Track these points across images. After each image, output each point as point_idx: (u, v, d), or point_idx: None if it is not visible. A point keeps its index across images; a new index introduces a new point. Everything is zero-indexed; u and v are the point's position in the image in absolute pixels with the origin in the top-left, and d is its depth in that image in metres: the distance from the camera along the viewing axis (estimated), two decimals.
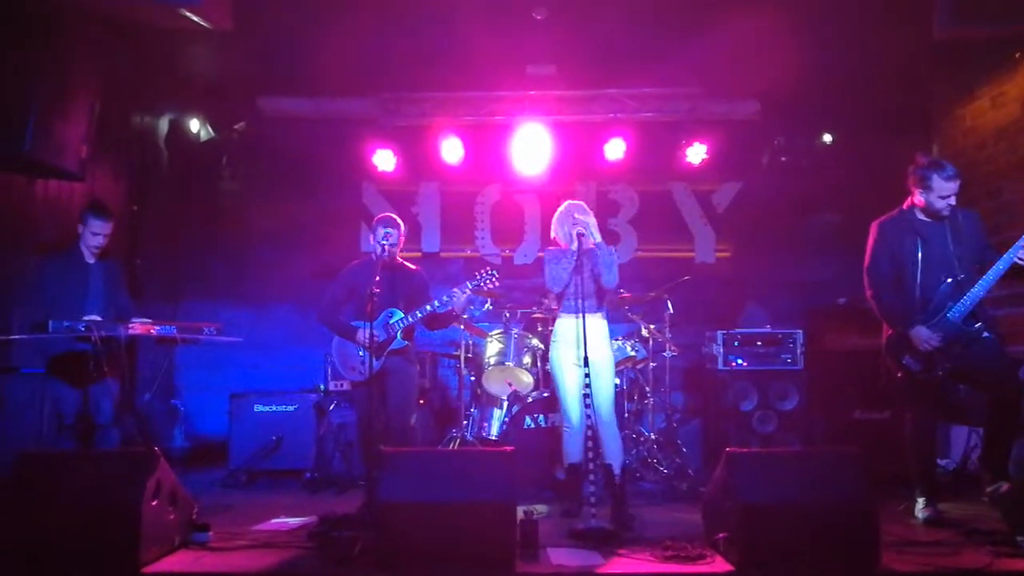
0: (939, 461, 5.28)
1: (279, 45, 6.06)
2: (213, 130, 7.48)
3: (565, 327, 4.60)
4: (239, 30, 4.97)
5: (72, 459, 3.91)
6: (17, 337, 4.64)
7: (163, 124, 7.29)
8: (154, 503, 3.52)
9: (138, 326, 4.64)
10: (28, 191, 5.46)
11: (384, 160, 7.16)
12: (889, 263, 4.42)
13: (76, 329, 4.41)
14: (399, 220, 4.92)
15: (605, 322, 4.70)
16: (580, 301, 4.37)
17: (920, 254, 4.32)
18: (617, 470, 4.48)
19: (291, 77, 6.75)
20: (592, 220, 4.59)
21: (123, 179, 6.64)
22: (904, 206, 4.48)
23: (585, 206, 4.69)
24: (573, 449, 4.59)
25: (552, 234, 4.75)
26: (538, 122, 7.02)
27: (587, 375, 4.14)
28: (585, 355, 4.17)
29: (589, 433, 4.24)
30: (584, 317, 4.28)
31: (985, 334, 4.25)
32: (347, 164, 7.34)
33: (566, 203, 4.74)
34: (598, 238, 4.54)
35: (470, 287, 4.77)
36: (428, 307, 4.74)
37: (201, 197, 7.56)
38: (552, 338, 4.69)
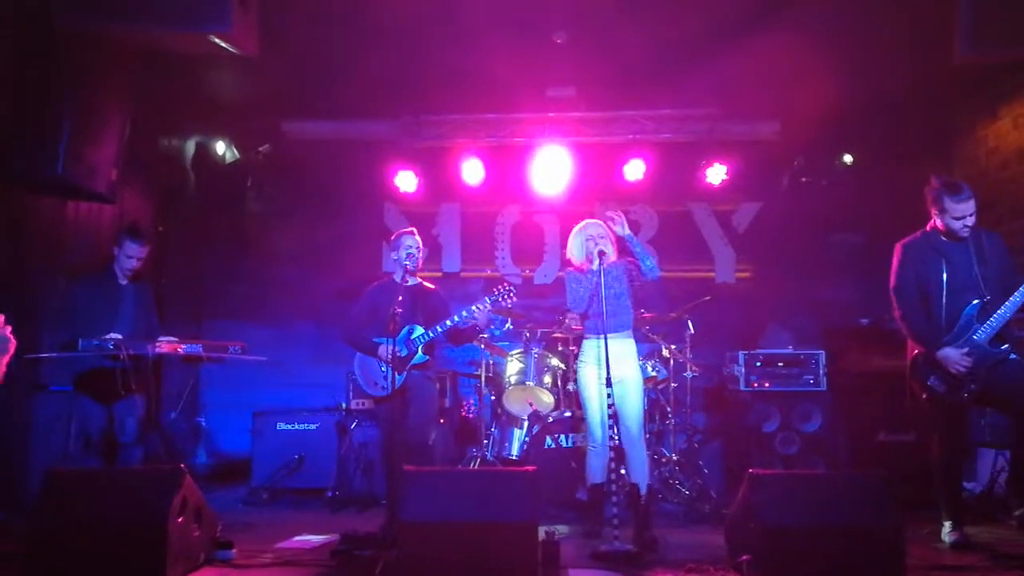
0: (966, 484, 5.20)
1: (303, 69, 6.18)
2: (238, 153, 7.60)
3: (590, 348, 4.60)
4: (264, 55, 5.07)
5: (99, 476, 3.98)
6: (47, 356, 4.70)
7: (189, 147, 7.41)
8: (180, 520, 3.55)
9: (165, 344, 4.71)
10: (59, 213, 5.57)
11: (406, 181, 7.25)
12: (915, 284, 4.38)
13: (105, 347, 4.48)
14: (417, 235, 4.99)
15: (633, 341, 4.67)
16: (603, 321, 4.36)
17: (945, 276, 4.27)
18: (643, 490, 4.46)
19: (314, 100, 6.87)
20: (605, 232, 4.58)
21: (150, 201, 6.74)
22: (927, 228, 4.44)
23: (601, 223, 4.66)
24: (597, 468, 4.56)
25: (568, 254, 4.75)
26: (558, 143, 7.07)
27: (610, 395, 4.13)
28: (608, 376, 4.16)
29: (612, 454, 4.22)
30: (606, 338, 4.26)
31: (1012, 356, 4.20)
32: (369, 185, 7.43)
33: (583, 222, 4.74)
34: (625, 233, 4.50)
35: (488, 302, 4.84)
36: (448, 322, 4.78)
37: (226, 218, 7.67)
38: (579, 358, 4.70)
